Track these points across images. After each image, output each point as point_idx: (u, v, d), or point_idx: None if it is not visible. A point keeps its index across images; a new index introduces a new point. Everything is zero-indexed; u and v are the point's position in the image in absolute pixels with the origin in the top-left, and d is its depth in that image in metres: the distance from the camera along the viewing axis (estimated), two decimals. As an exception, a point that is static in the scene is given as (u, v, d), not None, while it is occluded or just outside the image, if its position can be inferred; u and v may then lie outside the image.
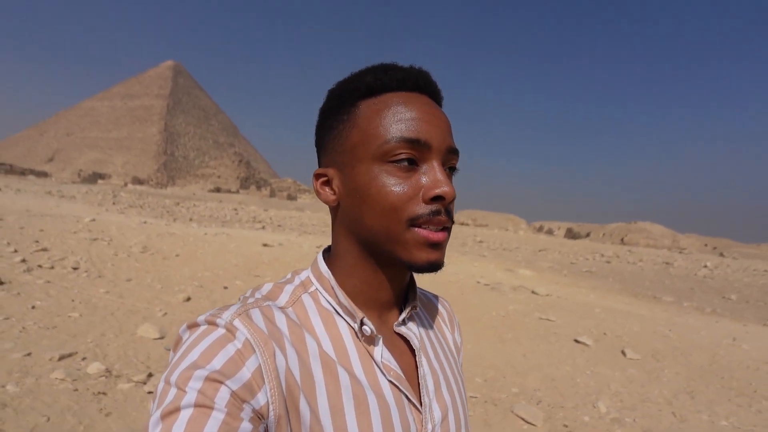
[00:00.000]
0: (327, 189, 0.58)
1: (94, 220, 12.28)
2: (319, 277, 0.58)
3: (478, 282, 8.32)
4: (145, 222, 14.09)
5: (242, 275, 7.57)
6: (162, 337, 4.66)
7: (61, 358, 3.88)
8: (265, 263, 8.59)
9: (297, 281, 0.59)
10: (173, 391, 0.44)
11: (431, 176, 0.52)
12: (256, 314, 0.51)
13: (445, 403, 0.59)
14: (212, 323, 0.48)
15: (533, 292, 7.93)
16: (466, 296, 7.21)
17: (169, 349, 4.10)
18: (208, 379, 0.44)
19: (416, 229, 0.52)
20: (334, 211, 0.59)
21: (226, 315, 0.49)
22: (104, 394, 3.46)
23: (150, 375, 3.79)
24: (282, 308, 0.54)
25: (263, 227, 19.32)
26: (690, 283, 12.26)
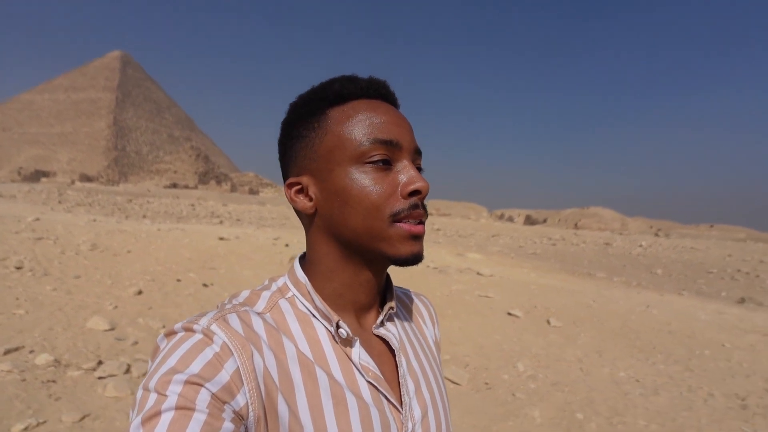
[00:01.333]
0: (302, 197, 0.58)
1: (38, 219, 11.79)
2: (296, 282, 0.59)
3: (428, 266, 8.81)
4: (94, 220, 13.64)
5: (196, 268, 7.64)
6: (112, 329, 4.76)
7: (7, 352, 3.94)
8: (220, 256, 8.67)
9: (274, 288, 0.60)
10: (153, 396, 0.44)
11: (406, 173, 0.55)
12: (234, 318, 0.52)
13: (425, 401, 0.60)
14: (189, 329, 0.49)
15: (478, 273, 8.50)
16: (415, 279, 7.65)
17: (121, 339, 4.20)
18: (187, 382, 0.45)
19: (398, 224, 0.54)
20: (310, 218, 0.59)
21: (203, 321, 0.50)
22: (53, 381, 3.58)
23: (100, 362, 3.93)
24: (260, 313, 0.55)
25: (221, 222, 19.10)
26: (624, 260, 13.40)
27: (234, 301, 0.57)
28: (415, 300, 0.74)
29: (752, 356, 5.05)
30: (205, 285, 6.70)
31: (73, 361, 3.93)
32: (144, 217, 19.43)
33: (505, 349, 4.79)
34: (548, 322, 5.77)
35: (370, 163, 0.55)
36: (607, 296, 7.56)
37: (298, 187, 0.58)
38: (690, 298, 8.43)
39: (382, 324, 0.61)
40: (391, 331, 0.62)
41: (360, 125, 0.55)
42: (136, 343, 4.49)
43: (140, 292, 6.10)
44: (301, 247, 10.74)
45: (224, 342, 0.48)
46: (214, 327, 0.49)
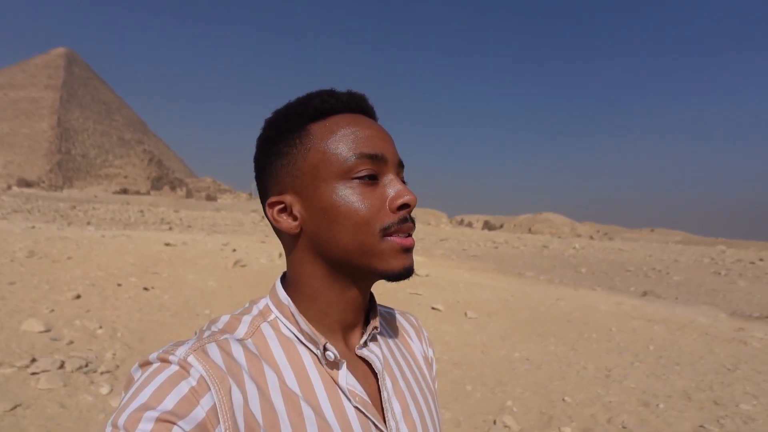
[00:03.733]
0: (285, 216, 0.57)
1: (-32, 226, 11.32)
2: (278, 304, 0.58)
3: (369, 268, 9.34)
4: (33, 227, 13.18)
5: (138, 273, 7.77)
6: (48, 330, 4.93)
7: (-63, 354, 4.06)
8: (164, 261, 8.79)
9: (255, 311, 0.58)
10: None
11: (393, 187, 0.55)
12: (213, 349, 0.50)
13: (414, 423, 0.60)
14: (165, 360, 0.48)
15: (415, 273, 9.13)
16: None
17: (56, 339, 4.42)
18: (159, 420, 0.43)
19: (389, 238, 0.54)
20: (295, 238, 0.57)
21: (180, 351, 0.48)
22: (-15, 379, 3.78)
23: (33, 360, 4.14)
24: (241, 340, 0.53)
25: (170, 228, 18.83)
26: (555, 261, 14.58)
27: (213, 328, 0.55)
28: (400, 318, 0.73)
29: (631, 337, 5.94)
30: (145, 288, 6.89)
31: (6, 359, 4.12)
32: (88, 224, 18.78)
33: (421, 337, 5.40)
34: (465, 314, 6.45)
35: (356, 178, 0.54)
36: (526, 291, 8.40)
37: (281, 206, 0.57)
38: (600, 293, 9.48)
39: (365, 344, 0.61)
40: (374, 352, 0.61)
41: (344, 140, 0.55)
42: (71, 342, 4.70)
43: (78, 297, 6.22)
44: (249, 251, 10.97)
45: (201, 375, 0.47)
46: (191, 359, 0.48)
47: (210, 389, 0.46)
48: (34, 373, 3.92)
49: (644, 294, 9.70)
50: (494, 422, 3.50)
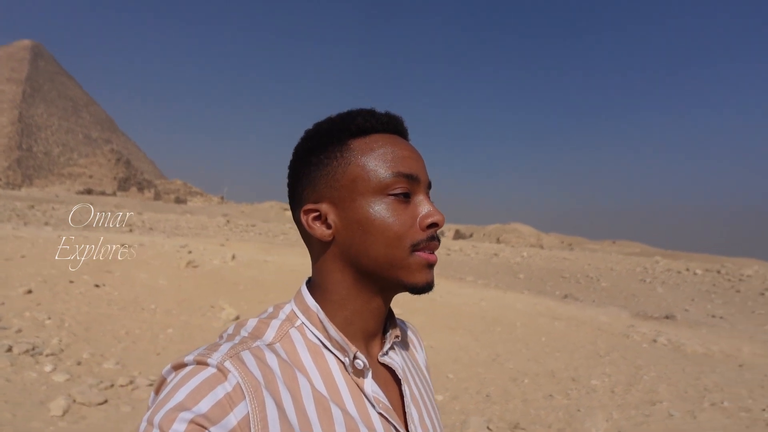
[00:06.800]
0: (319, 224, 0.60)
1: None
2: (306, 310, 0.60)
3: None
4: (-14, 226, 13.18)
5: (91, 271, 8.18)
6: (-3, 320, 5.38)
7: None
8: (118, 261, 9.20)
9: (282, 316, 0.60)
10: None
11: (424, 206, 0.60)
12: (248, 357, 0.52)
13: (428, 428, 0.64)
14: (202, 363, 0.49)
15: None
16: (299, 284, 8.81)
17: (5, 328, 4.91)
18: (192, 422, 0.45)
19: (417, 253, 0.58)
20: (325, 245, 0.60)
21: (216, 356, 0.50)
22: (-63, 358, 4.25)
23: (-17, 344, 4.61)
24: (270, 344, 0.56)
25: (130, 230, 18.94)
26: (500, 268, 15.65)
27: (242, 332, 0.57)
28: (405, 328, 0.77)
29: (531, 330, 6.86)
30: (96, 285, 7.34)
31: (-44, 345, 4.58)
32: (46, 224, 18.65)
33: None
34: (391, 311, 7.24)
35: (392, 195, 0.58)
36: (456, 293, 9.29)
37: (316, 214, 0.60)
38: (527, 295, 10.49)
39: (386, 353, 0.64)
40: (395, 360, 0.65)
41: (383, 158, 0.59)
42: (19, 330, 5.19)
43: (30, 292, 6.61)
44: (205, 253, 11.44)
45: (238, 383, 0.48)
46: (228, 364, 0.49)
47: (245, 398, 0.48)
48: (-17, 354, 4.41)
49: (565, 297, 10.77)
50: (381, 392, 4.26)
